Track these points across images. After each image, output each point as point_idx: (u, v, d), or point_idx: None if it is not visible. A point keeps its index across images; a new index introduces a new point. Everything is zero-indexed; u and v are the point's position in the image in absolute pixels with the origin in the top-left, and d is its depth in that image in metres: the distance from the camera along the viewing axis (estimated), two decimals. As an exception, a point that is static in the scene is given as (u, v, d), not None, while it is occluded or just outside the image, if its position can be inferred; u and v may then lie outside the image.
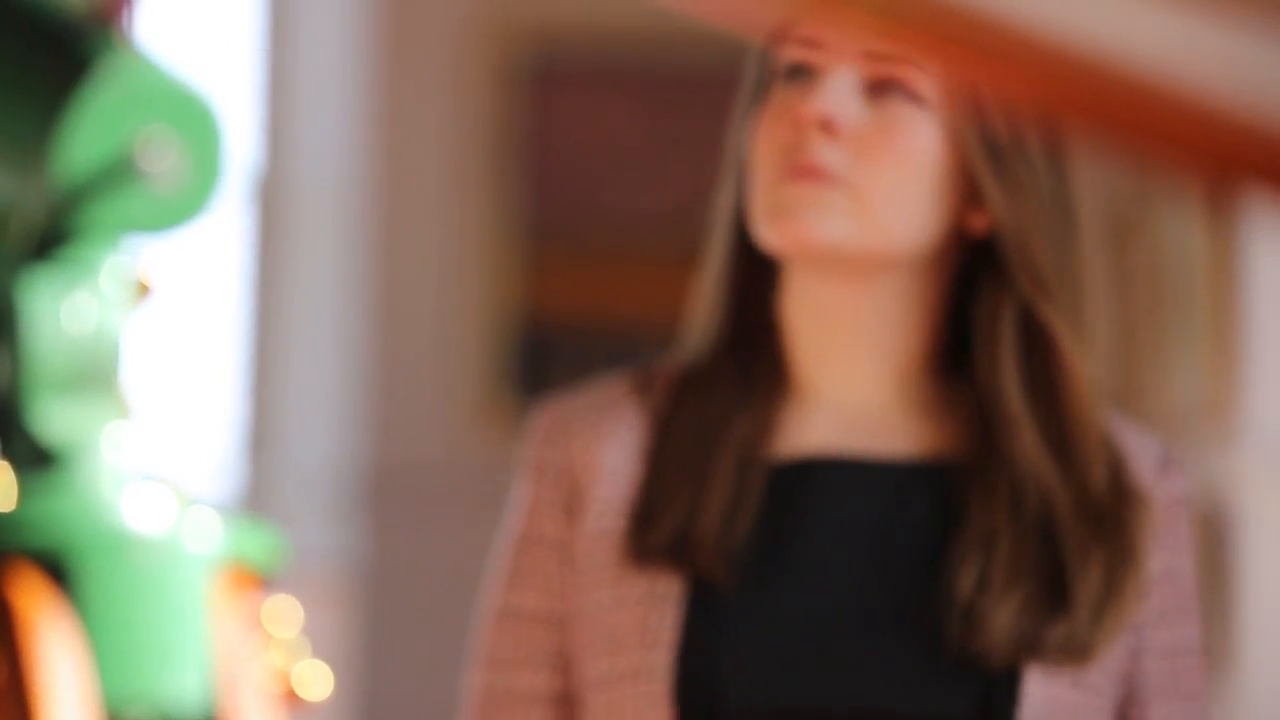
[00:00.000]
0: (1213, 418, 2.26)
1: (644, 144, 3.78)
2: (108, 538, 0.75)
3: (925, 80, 0.94)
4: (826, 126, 0.93)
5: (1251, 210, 1.98)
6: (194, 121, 0.77)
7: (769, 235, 0.95)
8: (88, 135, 0.74)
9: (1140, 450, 0.99)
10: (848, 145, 0.94)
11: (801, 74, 0.96)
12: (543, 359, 3.86)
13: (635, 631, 0.95)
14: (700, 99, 3.77)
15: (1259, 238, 2.03)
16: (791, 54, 0.96)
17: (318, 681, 0.81)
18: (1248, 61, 0.32)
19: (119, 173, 0.74)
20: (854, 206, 0.94)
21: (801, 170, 0.94)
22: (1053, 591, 0.94)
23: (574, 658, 0.98)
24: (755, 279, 0.99)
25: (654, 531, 0.95)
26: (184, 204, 0.77)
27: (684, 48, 3.64)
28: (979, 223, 0.97)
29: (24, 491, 0.75)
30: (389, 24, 3.70)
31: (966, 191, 0.96)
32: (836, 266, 0.96)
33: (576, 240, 3.83)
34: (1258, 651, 2.49)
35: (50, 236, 0.76)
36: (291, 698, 0.80)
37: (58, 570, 0.74)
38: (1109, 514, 0.96)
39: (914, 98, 0.95)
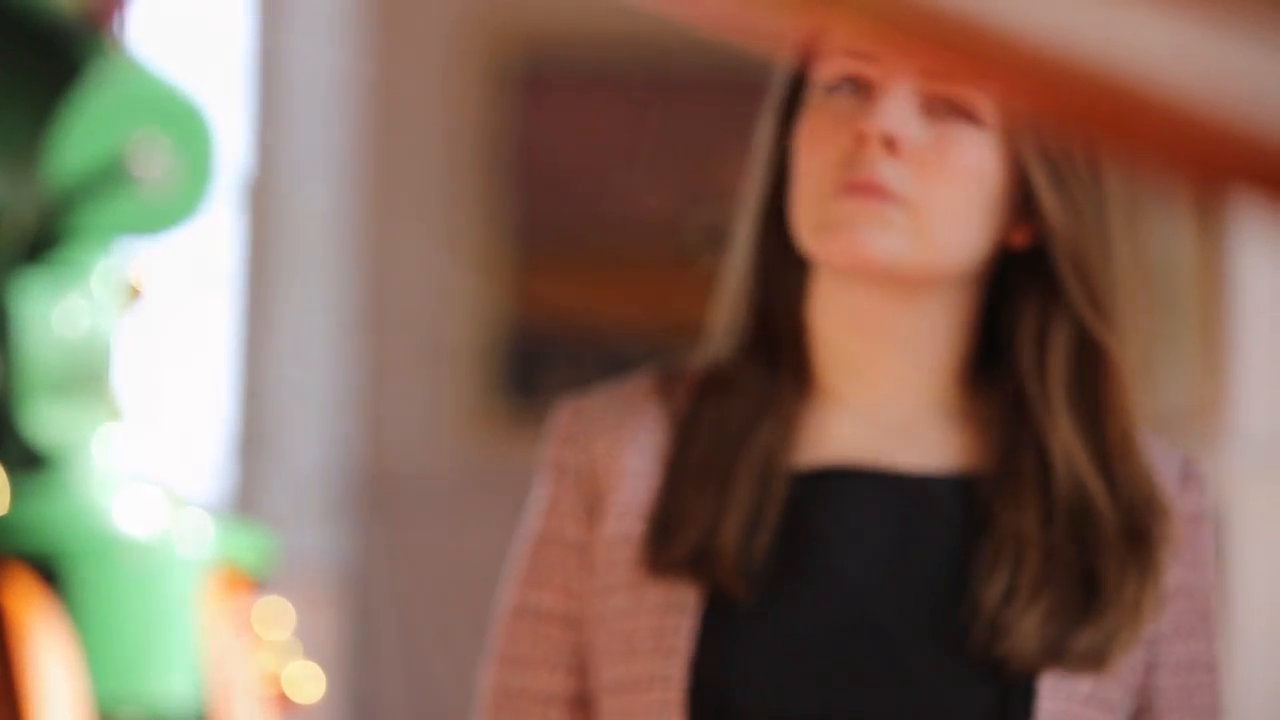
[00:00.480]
0: (1201, 420, 2.27)
1: (634, 149, 3.79)
2: (99, 540, 0.75)
3: (982, 100, 0.94)
4: (890, 144, 0.93)
5: (1239, 214, 1.99)
6: (185, 125, 0.78)
7: (821, 249, 0.95)
8: (80, 139, 0.74)
9: (1163, 462, 0.99)
10: (908, 163, 0.94)
11: (851, 87, 0.95)
12: (533, 363, 3.86)
13: (651, 638, 0.94)
14: (690, 103, 3.78)
15: (1247, 241, 2.04)
16: (842, 65, 0.96)
17: (308, 683, 0.81)
18: (1234, 66, 0.33)
19: (111, 176, 0.74)
20: (912, 224, 0.93)
21: (861, 186, 0.93)
22: (1076, 599, 0.94)
23: (589, 660, 0.98)
24: (781, 282, 0.99)
25: (673, 544, 0.95)
26: (175, 207, 0.77)
27: (674, 53, 3.65)
28: (1020, 237, 0.97)
29: (15, 494, 0.75)
30: (379, 29, 3.69)
31: (1017, 208, 0.97)
32: (883, 280, 0.96)
33: (567, 245, 3.83)
34: (1247, 653, 2.50)
35: (42, 240, 0.76)
36: (282, 700, 0.80)
37: (49, 573, 0.74)
38: (1140, 527, 0.96)
39: (971, 117, 0.95)
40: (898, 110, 0.94)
